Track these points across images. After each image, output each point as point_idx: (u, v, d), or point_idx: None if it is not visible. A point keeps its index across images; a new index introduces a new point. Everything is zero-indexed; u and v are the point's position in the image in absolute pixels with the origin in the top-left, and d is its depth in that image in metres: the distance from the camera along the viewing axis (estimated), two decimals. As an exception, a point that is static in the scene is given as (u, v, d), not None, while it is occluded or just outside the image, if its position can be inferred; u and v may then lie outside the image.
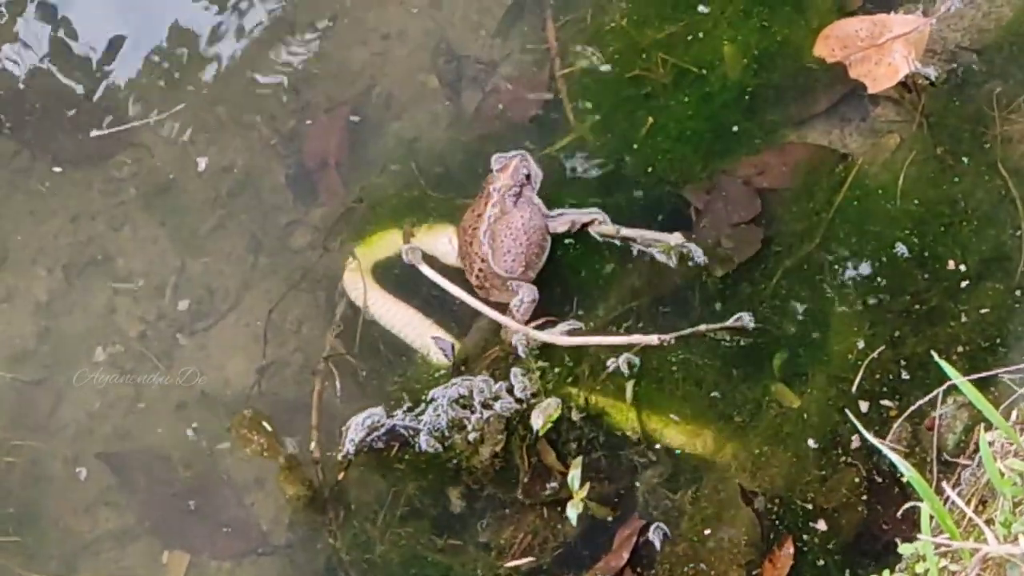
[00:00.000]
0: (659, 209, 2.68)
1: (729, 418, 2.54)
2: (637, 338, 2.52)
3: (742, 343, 2.58)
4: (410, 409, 2.50)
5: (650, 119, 2.73)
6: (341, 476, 2.48)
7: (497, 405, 2.50)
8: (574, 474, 2.42)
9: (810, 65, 2.76)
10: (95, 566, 2.50)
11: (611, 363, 2.56)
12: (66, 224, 2.70)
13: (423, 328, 2.61)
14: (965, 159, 2.67)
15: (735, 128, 2.72)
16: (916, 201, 2.65)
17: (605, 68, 2.79)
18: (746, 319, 2.57)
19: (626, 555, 2.43)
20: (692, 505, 2.48)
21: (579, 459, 2.45)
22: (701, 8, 2.80)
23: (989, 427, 2.01)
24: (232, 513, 2.54)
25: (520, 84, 2.79)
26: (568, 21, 2.83)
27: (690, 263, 2.60)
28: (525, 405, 2.51)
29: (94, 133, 2.77)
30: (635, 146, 2.72)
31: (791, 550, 2.41)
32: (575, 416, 2.52)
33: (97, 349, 2.62)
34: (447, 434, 2.49)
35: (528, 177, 2.62)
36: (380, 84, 2.78)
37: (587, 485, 2.44)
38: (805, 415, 2.52)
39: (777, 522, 2.45)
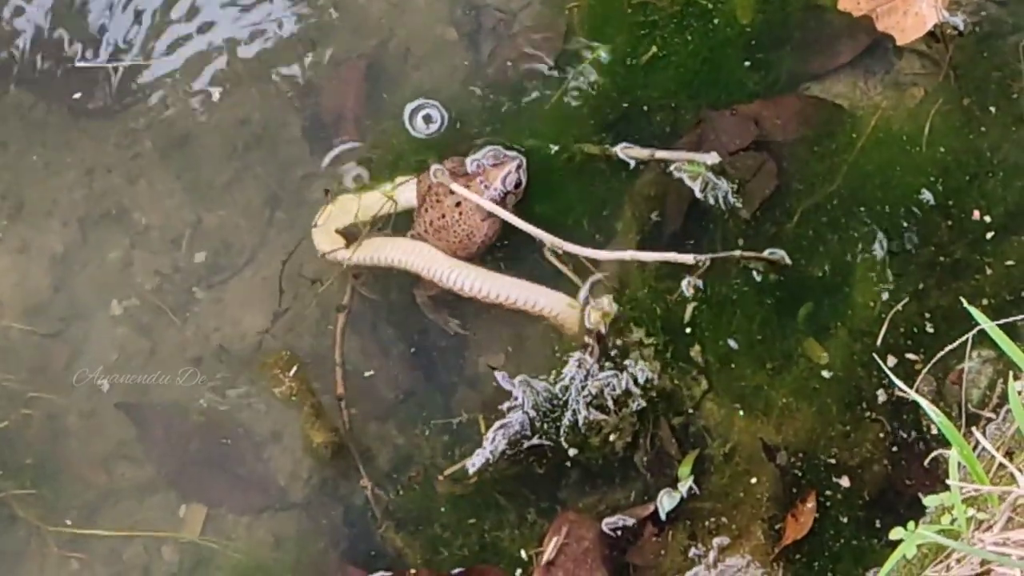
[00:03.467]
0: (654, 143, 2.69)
1: (762, 364, 2.55)
2: (672, 255, 2.54)
3: (778, 293, 2.58)
4: (547, 414, 2.50)
5: (653, 48, 2.73)
6: (473, 479, 2.49)
7: (631, 403, 2.49)
8: (684, 471, 2.48)
9: (828, 10, 2.74)
10: (113, 518, 2.53)
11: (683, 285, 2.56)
12: (81, 177, 2.71)
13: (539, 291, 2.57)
14: (992, 109, 2.68)
15: (746, 73, 2.73)
16: (942, 149, 2.65)
17: (615, 6, 2.77)
18: (781, 254, 2.58)
19: (653, 507, 2.45)
20: (724, 460, 2.50)
21: (693, 455, 2.49)
22: None
23: (1017, 377, 2.01)
24: (250, 467, 2.57)
25: (538, 31, 2.78)
26: None
27: (714, 193, 2.60)
28: (651, 392, 2.51)
29: (79, 63, 2.77)
30: (638, 79, 2.73)
31: (813, 505, 2.43)
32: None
33: (113, 302, 2.64)
34: (586, 437, 2.49)
35: (516, 186, 2.60)
36: (398, 36, 2.77)
37: (691, 477, 2.47)
38: (830, 367, 2.53)
39: (800, 477, 2.47)
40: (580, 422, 2.48)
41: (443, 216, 2.60)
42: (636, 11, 2.76)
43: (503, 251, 2.65)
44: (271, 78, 2.77)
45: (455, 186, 2.57)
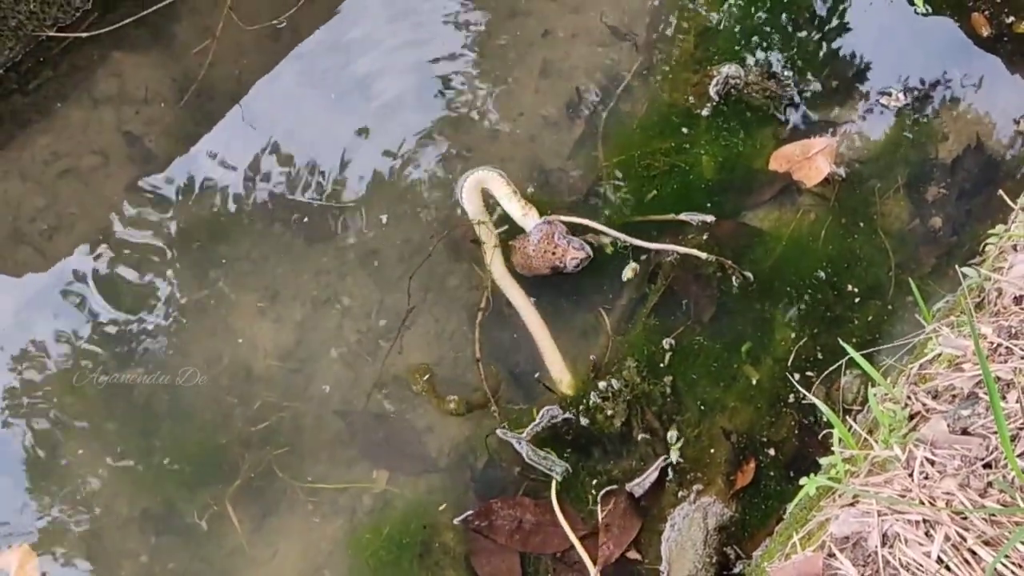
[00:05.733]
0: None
1: (717, 383, 2.60)
2: (686, 249, 2.62)
3: (726, 338, 2.62)
4: (573, 402, 2.56)
5: (654, 191, 2.79)
6: (529, 439, 2.51)
7: (622, 396, 2.53)
8: (672, 436, 2.52)
9: (759, 171, 2.81)
10: (334, 477, 2.54)
11: (664, 343, 2.62)
12: (312, 276, 2.74)
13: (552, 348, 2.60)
14: (860, 224, 2.74)
15: (708, 208, 2.75)
16: (830, 247, 2.71)
17: (630, 165, 2.82)
18: (748, 274, 2.64)
19: (657, 473, 2.50)
20: (696, 439, 2.55)
21: (673, 430, 2.52)
22: (684, 130, 2.85)
23: (873, 385, 2.06)
24: (414, 447, 2.58)
25: (582, 178, 2.83)
26: (610, 142, 2.87)
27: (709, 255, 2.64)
28: (635, 392, 2.56)
29: (294, 196, 2.76)
30: (643, 209, 2.77)
31: (753, 465, 2.50)
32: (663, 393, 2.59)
33: (332, 350, 2.66)
34: (595, 415, 2.54)
35: (576, 267, 2.63)
36: (500, 191, 2.82)
37: (681, 441, 2.51)
38: (760, 383, 2.58)
39: (745, 449, 2.53)
40: (591, 405, 2.53)
41: (534, 250, 2.62)
42: (643, 169, 2.81)
43: (570, 305, 2.66)
44: (421, 213, 2.80)
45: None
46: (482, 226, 2.71)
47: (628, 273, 2.67)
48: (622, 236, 2.67)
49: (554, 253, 2.63)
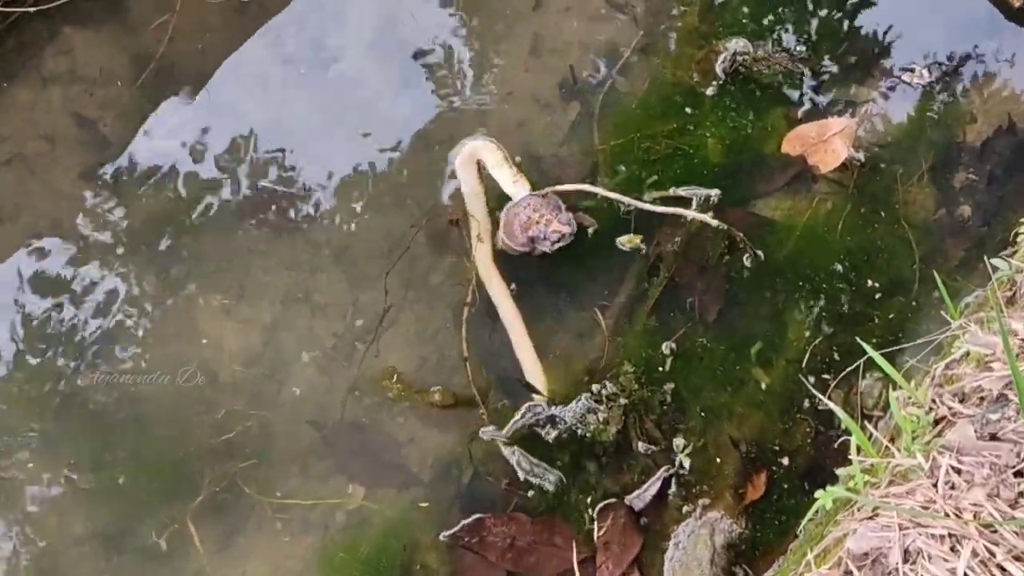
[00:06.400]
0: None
1: (723, 388, 2.59)
2: (692, 214, 2.63)
3: (734, 339, 2.61)
4: (561, 403, 2.56)
5: (655, 176, 2.78)
6: (510, 436, 2.53)
7: (618, 400, 2.53)
8: (678, 443, 2.53)
9: (770, 155, 2.79)
10: (305, 492, 2.53)
11: (664, 347, 2.61)
12: (282, 272, 2.71)
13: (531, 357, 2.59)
14: (881, 214, 2.73)
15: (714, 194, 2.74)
16: (848, 239, 2.70)
17: (629, 149, 2.83)
18: (759, 253, 2.64)
19: (659, 485, 2.49)
20: (702, 449, 2.54)
21: (680, 439, 2.53)
22: (688, 110, 2.84)
23: (895, 389, 2.05)
24: (392, 459, 2.57)
25: (577, 164, 2.83)
26: (607, 124, 2.86)
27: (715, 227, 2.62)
28: (632, 398, 2.56)
29: (261, 183, 2.77)
30: (643, 192, 2.76)
31: (764, 477, 2.49)
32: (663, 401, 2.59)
33: (303, 353, 2.64)
34: (586, 418, 2.53)
35: (558, 241, 2.62)
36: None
37: (688, 448, 2.52)
38: (772, 386, 2.57)
39: (755, 459, 2.51)
40: (582, 409, 2.53)
41: (518, 217, 2.61)
42: (642, 152, 2.80)
43: (564, 302, 2.68)
44: (405, 204, 2.77)
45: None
46: (476, 206, 2.69)
47: (624, 240, 2.66)
48: (626, 199, 2.63)
49: (538, 222, 2.60)
